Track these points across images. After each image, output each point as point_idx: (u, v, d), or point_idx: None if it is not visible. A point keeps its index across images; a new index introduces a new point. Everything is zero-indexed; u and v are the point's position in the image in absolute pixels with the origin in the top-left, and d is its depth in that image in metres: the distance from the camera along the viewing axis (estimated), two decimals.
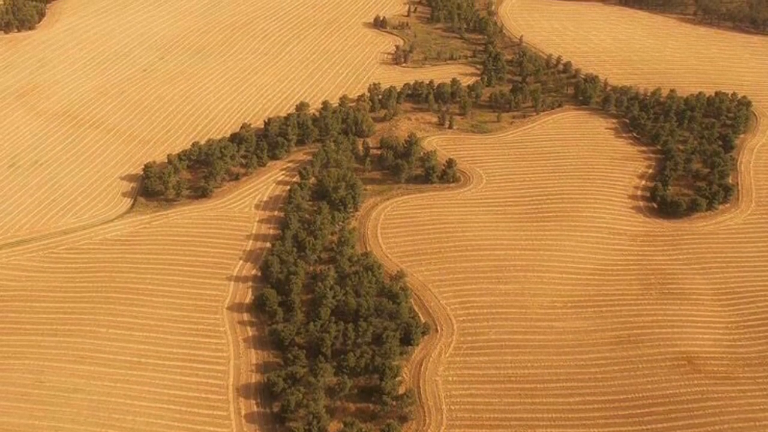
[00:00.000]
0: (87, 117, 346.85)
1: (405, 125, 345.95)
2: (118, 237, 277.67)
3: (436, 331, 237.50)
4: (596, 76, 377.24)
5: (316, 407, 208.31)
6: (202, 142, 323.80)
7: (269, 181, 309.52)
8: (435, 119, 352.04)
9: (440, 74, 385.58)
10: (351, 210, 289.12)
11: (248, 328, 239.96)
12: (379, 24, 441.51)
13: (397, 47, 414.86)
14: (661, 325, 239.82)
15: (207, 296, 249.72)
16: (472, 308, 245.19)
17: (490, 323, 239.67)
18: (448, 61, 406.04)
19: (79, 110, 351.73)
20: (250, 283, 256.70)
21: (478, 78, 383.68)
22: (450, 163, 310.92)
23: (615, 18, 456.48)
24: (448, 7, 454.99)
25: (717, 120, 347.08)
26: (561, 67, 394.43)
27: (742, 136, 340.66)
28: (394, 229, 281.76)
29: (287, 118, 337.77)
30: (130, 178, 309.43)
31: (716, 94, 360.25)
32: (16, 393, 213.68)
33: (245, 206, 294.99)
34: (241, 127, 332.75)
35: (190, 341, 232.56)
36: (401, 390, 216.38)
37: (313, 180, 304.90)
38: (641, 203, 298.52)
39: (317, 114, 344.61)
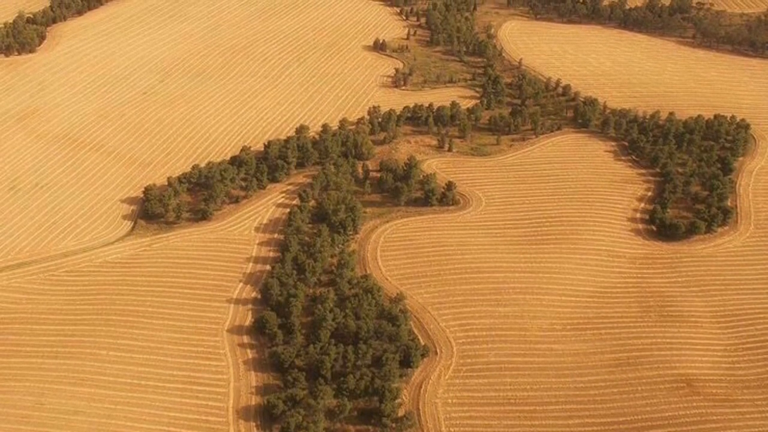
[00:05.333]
0: (87, 140, 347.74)
1: (404, 148, 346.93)
2: (118, 259, 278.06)
3: (436, 353, 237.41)
4: (595, 99, 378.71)
5: (316, 429, 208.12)
6: (202, 165, 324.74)
7: (269, 204, 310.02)
8: (434, 142, 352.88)
9: (440, 97, 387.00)
10: (351, 233, 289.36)
11: (248, 351, 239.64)
12: (379, 47, 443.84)
13: (397, 70, 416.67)
14: (660, 348, 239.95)
15: (207, 319, 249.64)
16: (472, 331, 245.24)
17: (489, 346, 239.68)
18: (448, 84, 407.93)
19: (80, 133, 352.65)
20: (250, 306, 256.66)
21: (478, 101, 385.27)
22: (449, 185, 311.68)
23: (614, 41, 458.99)
24: (448, 30, 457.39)
25: (716, 143, 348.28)
26: (560, 90, 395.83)
27: (740, 158, 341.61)
28: (393, 251, 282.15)
29: (287, 140, 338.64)
30: (130, 200, 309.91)
31: (715, 116, 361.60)
32: (17, 415, 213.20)
33: (245, 229, 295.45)
34: (241, 150, 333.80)
35: (191, 363, 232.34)
36: (401, 412, 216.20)
37: (312, 203, 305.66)
38: (640, 226, 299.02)
39: (317, 137, 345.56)
